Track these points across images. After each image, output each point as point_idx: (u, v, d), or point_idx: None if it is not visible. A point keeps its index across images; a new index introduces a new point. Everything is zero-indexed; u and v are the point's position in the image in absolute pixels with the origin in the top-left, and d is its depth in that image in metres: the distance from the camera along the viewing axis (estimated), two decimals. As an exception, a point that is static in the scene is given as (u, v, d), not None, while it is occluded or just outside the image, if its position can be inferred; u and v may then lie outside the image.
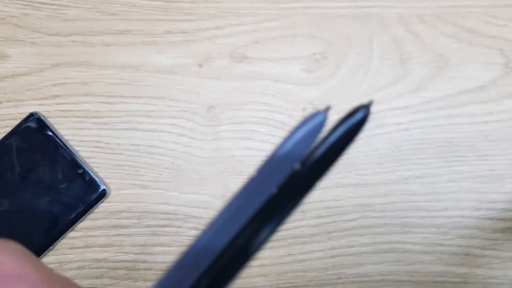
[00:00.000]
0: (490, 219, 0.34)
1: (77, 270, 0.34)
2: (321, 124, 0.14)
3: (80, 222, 0.34)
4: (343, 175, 0.35)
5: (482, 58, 0.36)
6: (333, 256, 0.34)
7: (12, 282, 0.13)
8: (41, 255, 0.33)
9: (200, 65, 0.35)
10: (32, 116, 0.33)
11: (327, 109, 0.14)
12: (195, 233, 0.34)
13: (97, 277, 0.33)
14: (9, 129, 0.34)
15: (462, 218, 0.34)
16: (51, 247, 0.33)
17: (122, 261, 0.34)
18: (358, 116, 0.14)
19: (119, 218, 0.34)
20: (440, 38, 0.36)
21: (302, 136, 0.14)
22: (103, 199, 0.34)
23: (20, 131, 0.33)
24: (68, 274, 0.33)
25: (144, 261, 0.34)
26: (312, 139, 0.14)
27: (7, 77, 0.35)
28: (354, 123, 0.14)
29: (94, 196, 0.33)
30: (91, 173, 0.33)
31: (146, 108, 0.35)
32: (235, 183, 0.34)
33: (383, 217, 0.34)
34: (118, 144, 0.34)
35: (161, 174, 0.34)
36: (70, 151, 0.33)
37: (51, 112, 0.34)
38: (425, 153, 0.35)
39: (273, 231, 0.15)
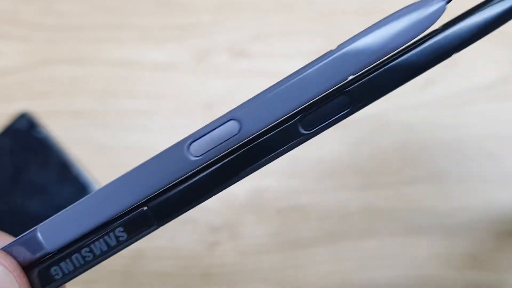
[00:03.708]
0: (499, 221, 0.34)
1: (70, 275, 0.33)
2: (435, 14, 0.12)
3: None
4: (347, 175, 0.34)
5: (491, 55, 0.35)
6: (336, 261, 0.33)
7: None
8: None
9: (198, 62, 0.35)
10: (22, 115, 0.33)
11: None
12: (193, 237, 0.33)
13: (91, 282, 0.33)
14: (-2, 129, 0.33)
15: (471, 220, 0.34)
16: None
17: (117, 265, 0.33)
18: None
19: (114, 221, 0.34)
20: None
21: (403, 27, 0.12)
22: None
23: (10, 131, 0.33)
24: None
25: (139, 266, 0.33)
26: (416, 29, 0.12)
27: (-3, 75, 0.34)
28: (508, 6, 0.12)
29: (86, 198, 0.33)
30: (83, 174, 0.33)
31: (141, 107, 0.34)
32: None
33: (389, 219, 0.34)
34: (112, 144, 0.34)
35: (157, 175, 0.34)
36: (62, 151, 0.33)
37: (43, 111, 0.34)
38: (432, 153, 0.34)
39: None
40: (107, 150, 0.34)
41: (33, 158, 0.33)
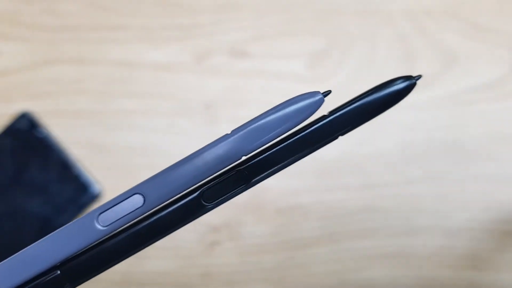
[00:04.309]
0: (499, 221, 0.34)
1: (70, 275, 0.33)
2: (315, 104, 0.14)
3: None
4: (347, 176, 0.34)
5: (490, 55, 0.35)
6: (336, 260, 0.33)
7: None
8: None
9: (198, 62, 0.35)
10: (23, 115, 0.33)
11: (326, 92, 0.14)
12: (193, 236, 0.33)
13: (91, 281, 0.33)
14: (-1, 129, 0.33)
15: (470, 220, 0.34)
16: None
17: (116, 264, 0.33)
18: (399, 86, 0.14)
19: (114, 221, 0.33)
20: (447, 34, 0.35)
21: (290, 111, 0.14)
22: (96, 200, 0.33)
23: (11, 131, 0.33)
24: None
25: (139, 265, 0.33)
26: (300, 117, 0.14)
27: (-3, 75, 0.34)
28: (391, 91, 0.14)
29: (86, 197, 0.33)
30: (83, 174, 0.33)
31: (142, 107, 0.34)
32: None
33: (389, 219, 0.34)
34: (112, 144, 0.34)
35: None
36: (63, 151, 0.33)
37: (43, 111, 0.34)
38: (432, 153, 0.34)
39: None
40: (107, 150, 0.34)
41: (34, 158, 0.33)
